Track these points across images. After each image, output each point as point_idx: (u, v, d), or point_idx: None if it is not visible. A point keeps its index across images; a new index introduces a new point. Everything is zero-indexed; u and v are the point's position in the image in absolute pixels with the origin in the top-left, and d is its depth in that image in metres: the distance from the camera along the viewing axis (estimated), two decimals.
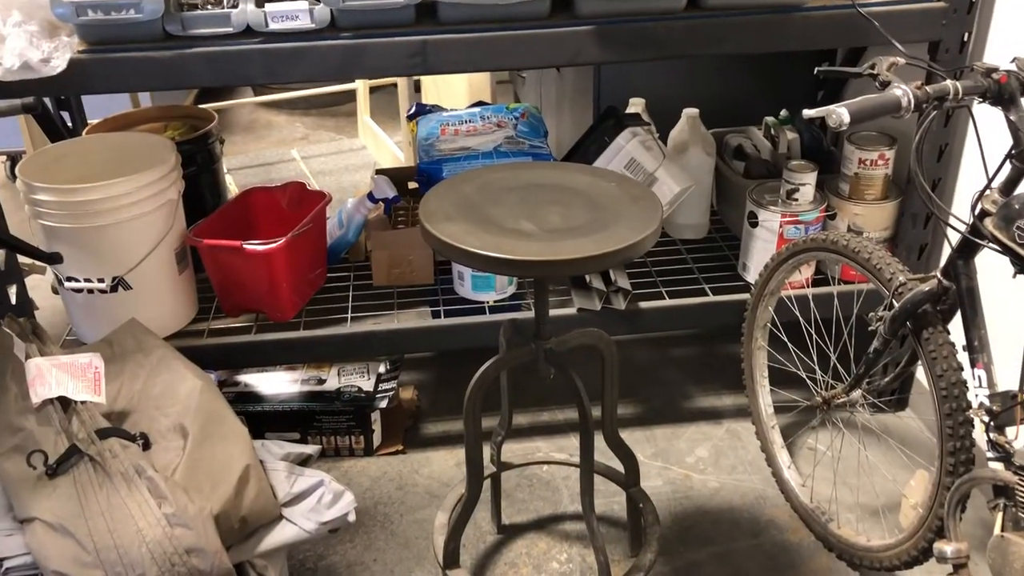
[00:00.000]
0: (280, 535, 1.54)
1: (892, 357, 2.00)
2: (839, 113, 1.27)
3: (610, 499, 2.06)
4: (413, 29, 1.78)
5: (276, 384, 2.24)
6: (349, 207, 2.30)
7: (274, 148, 3.69)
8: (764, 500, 2.07)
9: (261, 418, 2.20)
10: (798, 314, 2.04)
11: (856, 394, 1.84)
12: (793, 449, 2.18)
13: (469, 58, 1.80)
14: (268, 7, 1.72)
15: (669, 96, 2.50)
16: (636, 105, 2.41)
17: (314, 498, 1.59)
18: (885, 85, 1.36)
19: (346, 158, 3.62)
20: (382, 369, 2.26)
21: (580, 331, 1.64)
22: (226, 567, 1.40)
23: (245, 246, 1.97)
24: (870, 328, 1.67)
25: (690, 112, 2.35)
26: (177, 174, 2.00)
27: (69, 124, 2.35)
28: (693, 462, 2.20)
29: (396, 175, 2.43)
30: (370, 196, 2.25)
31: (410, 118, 2.52)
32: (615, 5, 1.78)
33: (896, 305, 1.58)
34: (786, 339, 2.04)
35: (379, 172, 2.48)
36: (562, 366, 1.58)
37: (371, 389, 2.19)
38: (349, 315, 2.15)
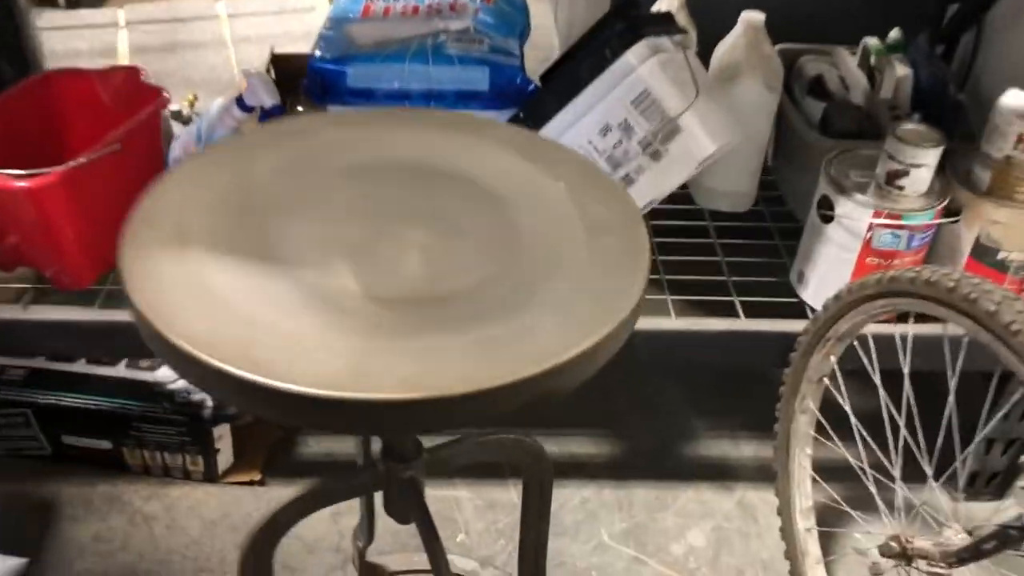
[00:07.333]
0: None
1: None
2: None
3: None
4: None
5: (88, 363, 1.55)
6: (213, 113, 1.51)
7: None
8: None
9: (59, 416, 1.51)
10: (865, 365, 1.27)
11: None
12: (835, 569, 1.44)
13: None
14: None
15: None
16: None
17: None
18: None
19: (286, 21, 2.72)
20: None
21: (483, 437, 0.88)
22: None
23: None
24: None
25: (752, 19, 1.50)
26: None
27: None
28: (682, 554, 1.48)
29: (301, 66, 1.63)
30: (239, 101, 1.47)
31: None
32: None
33: None
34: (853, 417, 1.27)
35: (274, 58, 1.69)
36: (421, 505, 0.84)
37: None
38: None
